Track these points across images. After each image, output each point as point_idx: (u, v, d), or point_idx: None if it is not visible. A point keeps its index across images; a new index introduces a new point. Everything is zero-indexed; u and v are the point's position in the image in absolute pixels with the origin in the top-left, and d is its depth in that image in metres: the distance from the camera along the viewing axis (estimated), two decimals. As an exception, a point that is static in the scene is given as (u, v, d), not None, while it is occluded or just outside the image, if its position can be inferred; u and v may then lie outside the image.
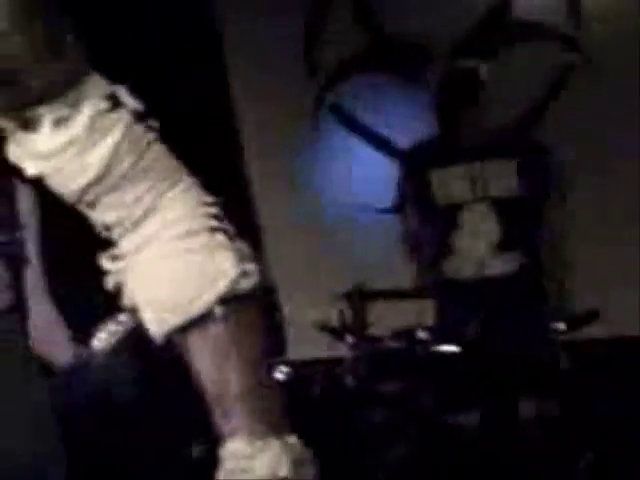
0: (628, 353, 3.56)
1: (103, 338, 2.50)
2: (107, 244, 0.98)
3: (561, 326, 3.01)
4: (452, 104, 3.07)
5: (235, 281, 0.90)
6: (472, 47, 3.68)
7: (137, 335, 2.28)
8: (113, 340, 2.50)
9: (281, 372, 3.25)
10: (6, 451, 1.36)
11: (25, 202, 2.30)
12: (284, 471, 0.90)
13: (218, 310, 0.89)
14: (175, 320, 0.90)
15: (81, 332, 2.51)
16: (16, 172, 1.03)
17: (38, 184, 0.98)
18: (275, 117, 4.04)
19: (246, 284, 0.90)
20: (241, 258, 0.91)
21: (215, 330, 0.90)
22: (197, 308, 0.89)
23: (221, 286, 0.89)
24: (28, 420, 1.40)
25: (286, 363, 3.32)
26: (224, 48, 3.95)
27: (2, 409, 1.36)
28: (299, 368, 3.39)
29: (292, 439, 0.90)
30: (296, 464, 0.90)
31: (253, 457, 0.89)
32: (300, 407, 3.28)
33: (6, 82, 0.91)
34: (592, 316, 3.05)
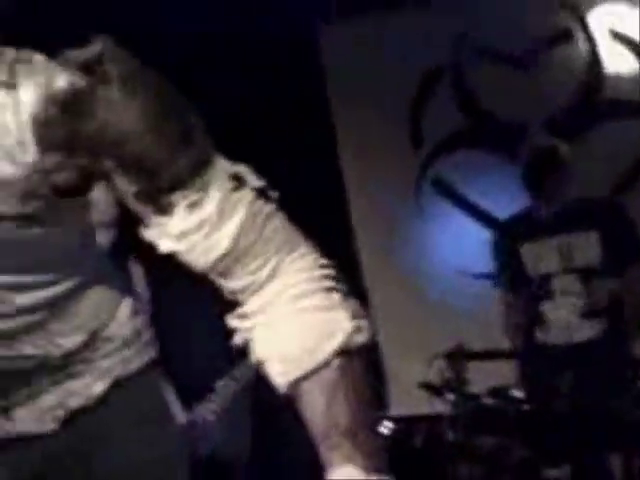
0: None
1: (217, 395, 2.55)
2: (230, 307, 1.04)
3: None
4: (536, 179, 3.30)
5: (350, 335, 0.95)
6: (563, 124, 3.88)
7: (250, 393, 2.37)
8: (227, 396, 2.57)
9: (384, 427, 3.46)
10: None
11: (137, 273, 2.53)
12: None
13: (335, 361, 0.94)
14: (299, 371, 0.94)
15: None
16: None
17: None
18: (381, 188, 4.31)
19: (360, 338, 0.96)
20: (354, 315, 0.97)
21: (330, 376, 0.94)
22: (318, 360, 0.94)
23: (339, 339, 0.94)
24: (163, 467, 1.37)
25: (389, 418, 3.52)
26: (333, 124, 4.29)
27: (140, 456, 1.34)
28: (401, 423, 3.55)
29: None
30: None
31: None
32: (402, 460, 3.48)
33: (142, 173, 0.97)
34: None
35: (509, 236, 3.45)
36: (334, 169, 4.30)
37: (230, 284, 0.99)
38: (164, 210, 0.98)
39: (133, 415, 1.37)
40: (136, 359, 1.39)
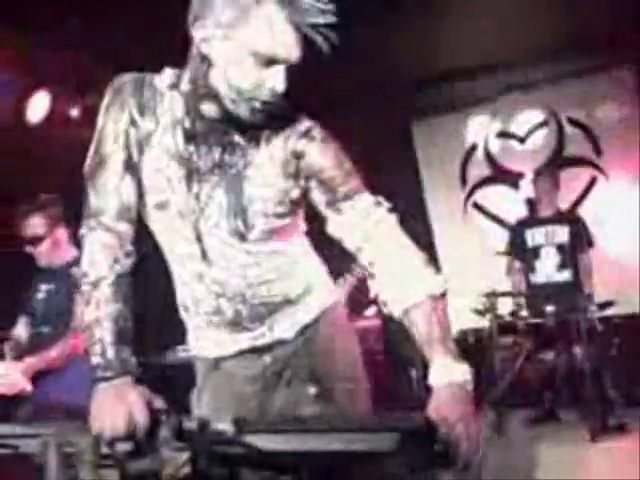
0: None
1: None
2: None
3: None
4: (531, 202, 5.88)
5: (436, 286, 1.60)
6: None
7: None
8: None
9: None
10: None
11: None
12: (464, 377, 1.52)
13: (427, 300, 1.58)
14: (409, 301, 1.58)
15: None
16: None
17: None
18: (447, 206, 6.94)
19: (440, 290, 1.59)
20: (437, 276, 1.63)
21: (425, 309, 1.58)
22: (419, 297, 1.58)
23: (431, 287, 1.59)
24: None
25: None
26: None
27: None
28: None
29: (465, 365, 1.53)
30: (468, 377, 1.53)
31: (451, 368, 1.52)
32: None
33: (329, 189, 1.69)
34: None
35: (518, 228, 5.56)
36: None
37: (368, 258, 1.68)
38: (338, 211, 1.68)
39: (332, 329, 1.89)
40: (328, 299, 1.92)
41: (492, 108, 6.79)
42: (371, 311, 5.17)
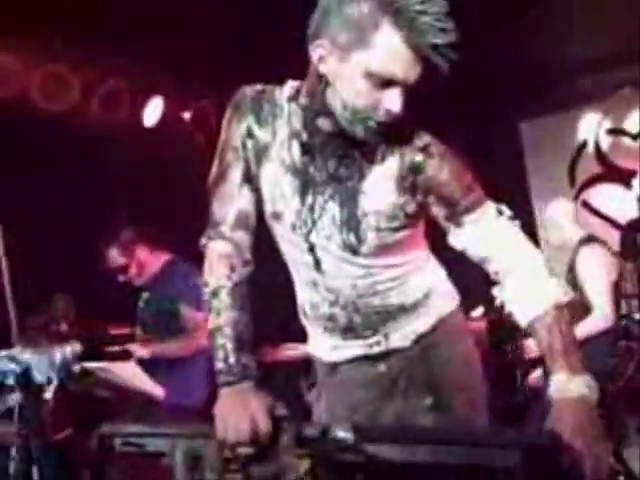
0: None
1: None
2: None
3: None
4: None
5: (560, 296, 1.59)
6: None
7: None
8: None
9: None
10: None
11: None
12: (586, 390, 1.48)
13: (552, 311, 1.56)
14: (533, 313, 1.58)
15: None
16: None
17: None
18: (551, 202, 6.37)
19: (565, 298, 1.59)
20: (560, 286, 1.63)
21: (549, 320, 1.55)
22: (543, 308, 1.57)
23: (554, 298, 1.59)
24: None
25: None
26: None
27: None
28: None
29: (588, 376, 1.50)
30: (592, 388, 1.50)
31: (570, 382, 1.49)
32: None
33: (449, 204, 1.68)
34: None
35: (630, 229, 5.50)
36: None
37: (493, 268, 1.67)
38: (459, 225, 1.67)
39: (450, 337, 1.89)
40: (447, 307, 1.92)
41: (604, 106, 6.61)
42: (477, 312, 5.05)
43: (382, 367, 1.87)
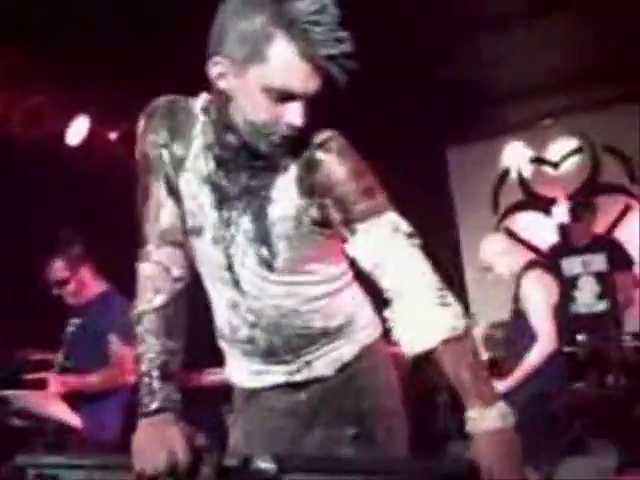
0: None
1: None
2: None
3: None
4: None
5: (450, 331, 1.50)
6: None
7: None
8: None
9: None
10: None
11: None
12: (498, 423, 1.45)
13: (446, 344, 1.50)
14: (417, 350, 1.51)
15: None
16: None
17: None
18: (477, 232, 6.52)
19: (456, 332, 1.50)
20: (455, 318, 1.52)
21: (444, 354, 1.50)
22: (429, 344, 1.50)
23: (442, 334, 1.50)
24: None
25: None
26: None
27: None
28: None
29: (502, 403, 1.47)
30: (507, 417, 1.47)
31: (482, 416, 1.46)
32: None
33: (343, 208, 1.58)
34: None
35: (552, 256, 5.50)
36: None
37: (383, 284, 1.57)
38: (352, 232, 1.58)
39: (373, 366, 1.84)
40: (370, 336, 1.87)
41: (526, 135, 6.81)
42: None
43: (303, 395, 1.81)
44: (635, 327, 5.32)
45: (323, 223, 1.64)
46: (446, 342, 1.49)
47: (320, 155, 1.57)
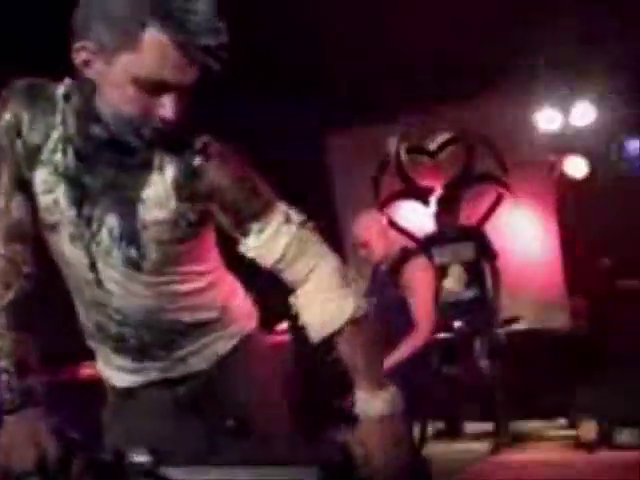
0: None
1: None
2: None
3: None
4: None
5: (354, 311, 1.51)
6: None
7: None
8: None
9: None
10: None
11: None
12: (388, 409, 1.47)
13: (348, 327, 1.51)
14: (324, 333, 1.52)
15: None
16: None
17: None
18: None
19: (360, 312, 1.51)
20: (357, 297, 1.54)
21: (347, 336, 1.51)
22: (337, 325, 1.51)
23: (348, 313, 1.51)
24: None
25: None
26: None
27: None
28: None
29: (392, 389, 1.49)
30: (395, 403, 1.49)
31: (370, 401, 1.48)
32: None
33: (231, 212, 1.54)
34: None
35: (425, 245, 5.85)
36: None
37: (287, 276, 1.57)
38: (245, 234, 1.56)
39: (251, 357, 1.82)
40: (247, 327, 1.84)
41: (404, 123, 6.93)
42: (283, 326, 5.12)
43: (181, 391, 1.77)
44: (504, 314, 5.53)
45: (199, 224, 1.60)
46: (351, 322, 1.50)
47: (200, 162, 1.51)
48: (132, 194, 1.56)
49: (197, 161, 1.51)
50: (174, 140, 1.51)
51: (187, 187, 1.53)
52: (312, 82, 5.44)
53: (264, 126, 5.57)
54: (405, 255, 4.10)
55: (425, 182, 6.99)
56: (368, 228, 4.09)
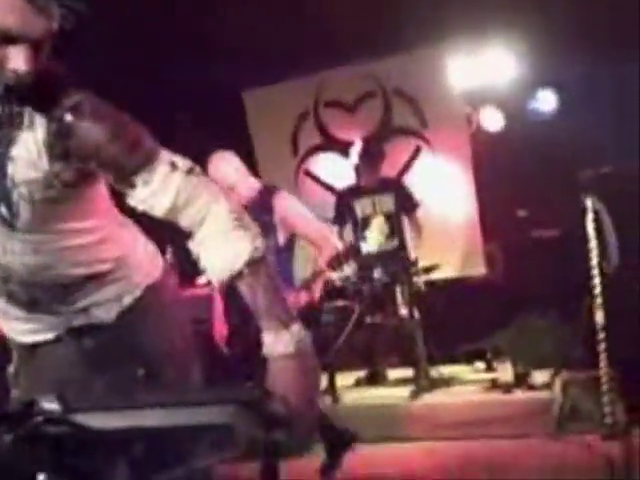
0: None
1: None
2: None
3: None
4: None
5: (253, 251, 1.47)
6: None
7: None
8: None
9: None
10: None
11: None
12: (292, 347, 1.46)
13: (245, 268, 1.47)
14: (225, 275, 1.48)
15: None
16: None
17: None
18: (278, 174, 6.75)
19: (258, 253, 1.48)
20: (254, 238, 1.49)
21: (248, 277, 1.47)
22: (235, 268, 1.47)
23: (245, 255, 1.47)
24: None
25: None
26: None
27: None
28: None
29: (296, 328, 1.47)
30: (299, 341, 1.47)
31: (274, 341, 1.47)
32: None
33: (113, 167, 1.51)
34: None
35: (345, 197, 5.78)
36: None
37: (182, 223, 1.53)
38: (132, 186, 1.51)
39: (157, 306, 1.81)
40: (150, 276, 1.82)
41: (320, 78, 6.90)
42: (203, 279, 5.02)
43: (87, 343, 1.75)
44: (423, 263, 5.60)
45: (79, 184, 1.56)
46: (249, 264, 1.47)
47: (72, 120, 1.45)
48: (1, 152, 1.50)
49: (69, 119, 1.45)
50: (44, 97, 1.45)
51: (59, 146, 1.48)
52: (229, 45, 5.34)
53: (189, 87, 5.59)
54: (269, 192, 4.10)
55: (344, 136, 6.98)
56: (227, 170, 4.04)
